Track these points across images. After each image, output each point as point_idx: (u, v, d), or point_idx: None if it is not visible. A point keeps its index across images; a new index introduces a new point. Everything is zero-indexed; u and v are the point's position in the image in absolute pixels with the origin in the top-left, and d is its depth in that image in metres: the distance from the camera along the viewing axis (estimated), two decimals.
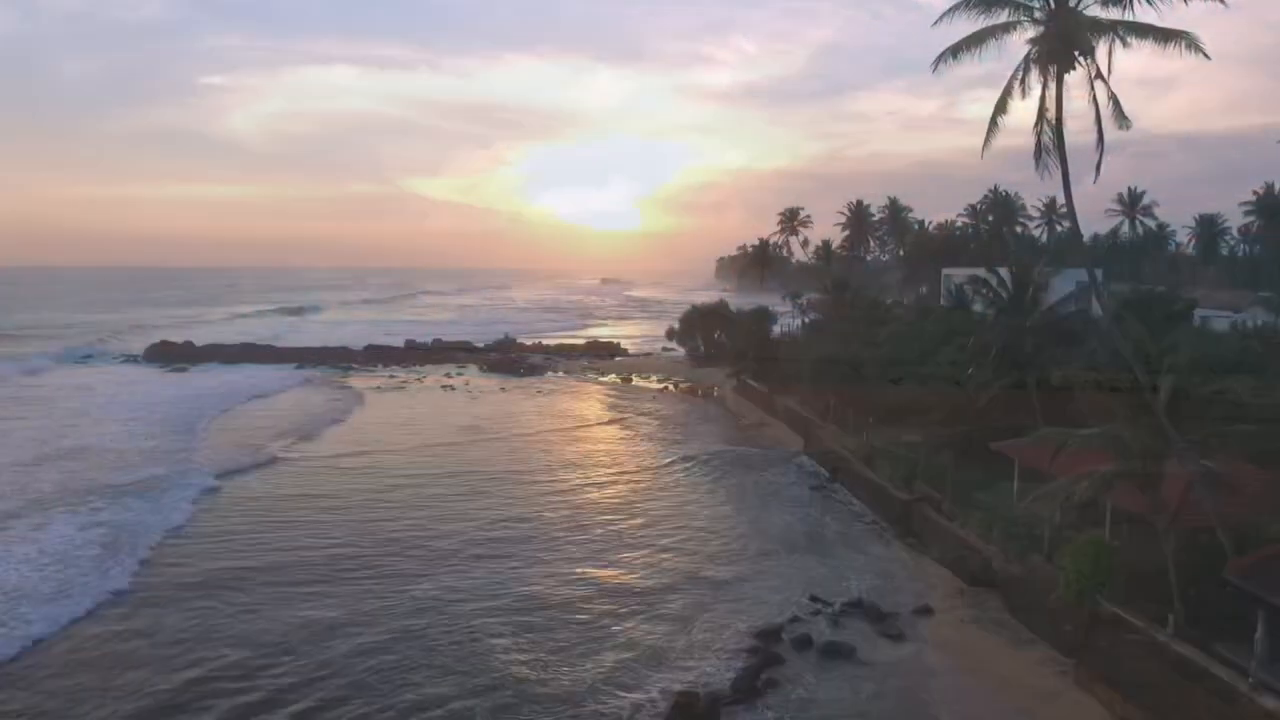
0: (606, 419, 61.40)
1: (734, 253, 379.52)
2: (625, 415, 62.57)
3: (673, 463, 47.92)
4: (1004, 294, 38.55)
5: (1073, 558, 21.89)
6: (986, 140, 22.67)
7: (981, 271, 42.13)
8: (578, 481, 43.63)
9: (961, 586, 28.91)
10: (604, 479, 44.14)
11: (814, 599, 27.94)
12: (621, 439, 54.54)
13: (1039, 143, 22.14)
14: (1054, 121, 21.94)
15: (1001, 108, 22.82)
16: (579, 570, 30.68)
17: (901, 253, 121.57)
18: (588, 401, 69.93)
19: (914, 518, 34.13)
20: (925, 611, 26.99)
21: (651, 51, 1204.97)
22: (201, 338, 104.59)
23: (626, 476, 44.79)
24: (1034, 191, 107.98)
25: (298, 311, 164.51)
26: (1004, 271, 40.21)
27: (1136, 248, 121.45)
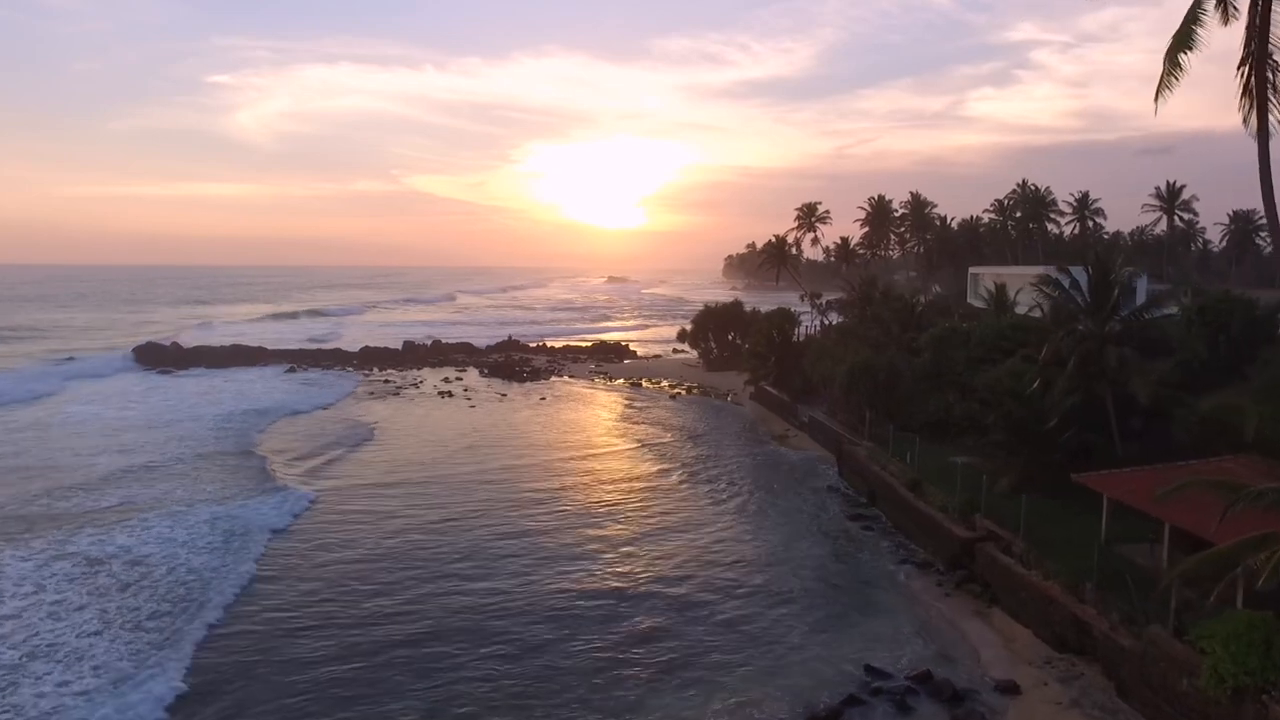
0: (615, 432, 56.23)
1: (742, 250, 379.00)
2: (636, 426, 57.48)
3: (690, 484, 42.92)
4: (1078, 297, 33.28)
5: (1228, 642, 16.80)
6: (1160, 90, 17.12)
7: (1052, 270, 36.89)
8: (578, 509, 38.62)
9: (1048, 653, 23.83)
10: (612, 501, 39.16)
11: (870, 670, 22.91)
12: (632, 456, 49.38)
13: (1247, 83, 16.76)
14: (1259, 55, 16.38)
15: (1185, 41, 17.34)
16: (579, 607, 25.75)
17: (920, 250, 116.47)
18: (594, 411, 64.89)
19: (978, 560, 29.00)
20: (1010, 689, 21.91)
21: (657, 50, 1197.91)
22: (247, 338, 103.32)
23: (637, 501, 39.76)
24: (1060, 188, 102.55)
25: (331, 313, 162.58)
26: (1077, 270, 35.01)
27: (1164, 245, 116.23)
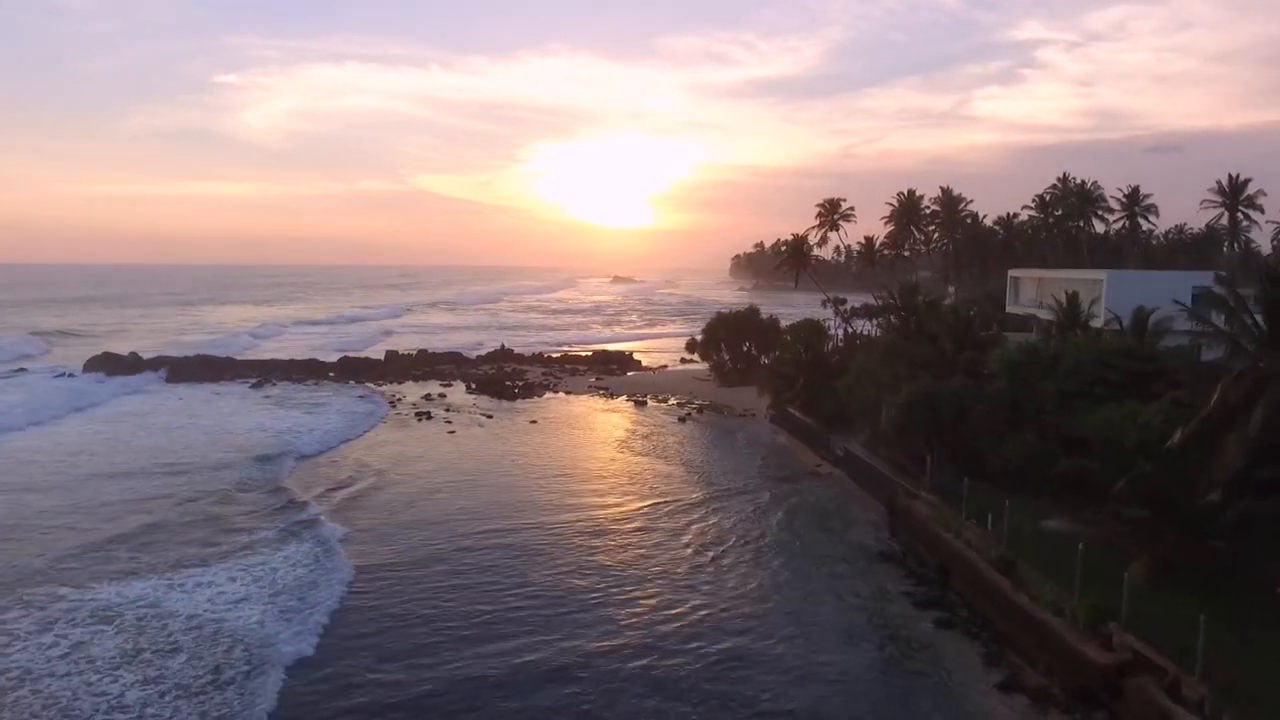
0: (611, 472, 47.13)
1: (750, 250, 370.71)
2: (637, 462, 48.53)
3: (699, 548, 34.17)
4: (1249, 320, 24.17)
5: None
6: None
7: (1209, 280, 28.00)
8: (544, 611, 29.93)
9: None
10: (592, 589, 30.30)
11: None
12: (629, 510, 40.53)
13: None
14: None
15: None
16: None
17: (949, 249, 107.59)
18: (590, 439, 56.03)
19: (1129, 702, 20.19)
20: None
21: (664, 49, 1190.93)
22: (289, 350, 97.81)
23: (630, 587, 31.01)
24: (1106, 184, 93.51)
25: (365, 318, 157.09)
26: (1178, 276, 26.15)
27: (1203, 242, 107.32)
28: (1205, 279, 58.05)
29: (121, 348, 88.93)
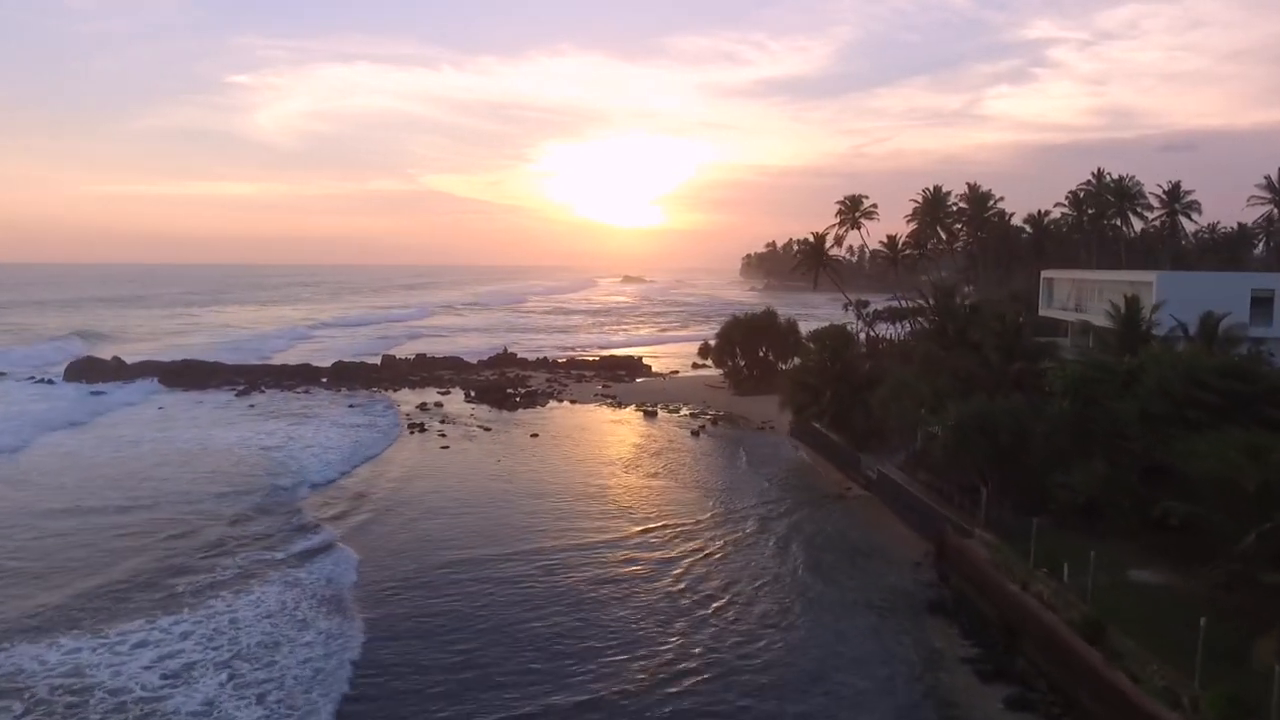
0: (615, 496, 42.62)
1: (761, 250, 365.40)
2: (646, 484, 43.97)
3: (710, 590, 29.53)
4: None
5: None
6: None
7: (1273, 282, 23.10)
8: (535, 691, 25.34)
9: None
10: (595, 649, 25.74)
11: None
12: (632, 541, 35.98)
13: None
14: None
15: None
16: None
17: (974, 247, 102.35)
18: (594, 454, 51.36)
19: None
20: None
21: (673, 49, 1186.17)
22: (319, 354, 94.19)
23: (631, 635, 26.43)
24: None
25: (394, 319, 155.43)
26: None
27: (1235, 241, 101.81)
28: (1267, 280, 52.99)
29: (152, 350, 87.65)
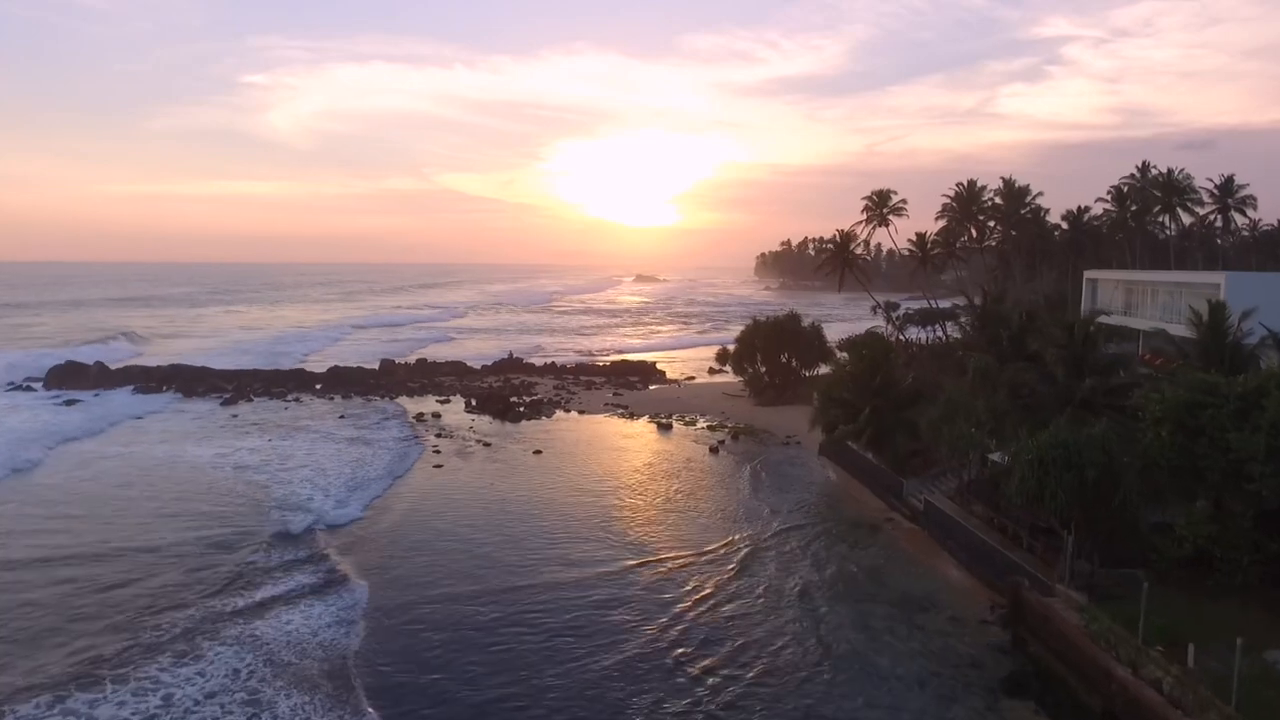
0: (622, 525, 37.66)
1: (775, 248, 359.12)
2: (658, 511, 38.97)
3: (733, 659, 24.49)
4: None
5: None
6: None
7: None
8: None
9: None
10: None
11: None
12: (645, 586, 30.93)
13: None
14: None
15: None
16: None
17: (1007, 245, 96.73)
18: (602, 473, 46.29)
19: None
20: None
21: (687, 47, 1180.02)
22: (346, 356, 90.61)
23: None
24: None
25: (424, 320, 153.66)
26: None
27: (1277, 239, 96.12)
28: None
29: (192, 350, 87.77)
